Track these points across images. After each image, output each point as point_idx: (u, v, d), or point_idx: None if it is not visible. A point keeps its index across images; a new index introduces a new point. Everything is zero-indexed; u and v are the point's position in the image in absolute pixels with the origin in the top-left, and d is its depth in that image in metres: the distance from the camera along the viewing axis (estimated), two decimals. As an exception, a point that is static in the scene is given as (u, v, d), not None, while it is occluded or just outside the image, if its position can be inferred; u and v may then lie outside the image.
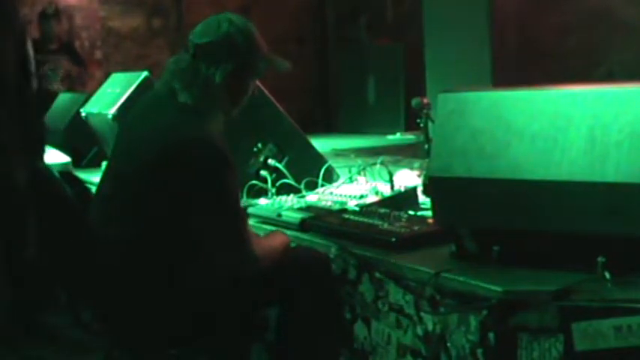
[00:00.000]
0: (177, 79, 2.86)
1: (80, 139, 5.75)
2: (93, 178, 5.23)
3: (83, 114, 5.53)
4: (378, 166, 3.99)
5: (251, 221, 3.25)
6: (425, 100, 3.92)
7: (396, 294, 2.85)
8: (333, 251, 3.10)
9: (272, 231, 3.23)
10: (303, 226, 3.33)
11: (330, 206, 3.53)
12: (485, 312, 2.47)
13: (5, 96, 3.89)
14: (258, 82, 3.29)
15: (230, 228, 2.78)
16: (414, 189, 3.69)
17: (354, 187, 3.96)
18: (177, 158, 2.72)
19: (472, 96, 2.70)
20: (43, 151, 4.31)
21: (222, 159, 2.75)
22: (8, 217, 3.84)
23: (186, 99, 2.83)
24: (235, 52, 2.88)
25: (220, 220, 2.77)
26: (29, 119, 4.09)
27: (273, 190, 3.86)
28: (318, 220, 3.30)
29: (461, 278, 2.54)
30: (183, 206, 2.73)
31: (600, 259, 2.39)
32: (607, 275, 2.37)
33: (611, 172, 2.33)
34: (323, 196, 3.74)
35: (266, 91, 3.90)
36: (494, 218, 2.57)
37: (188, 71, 2.85)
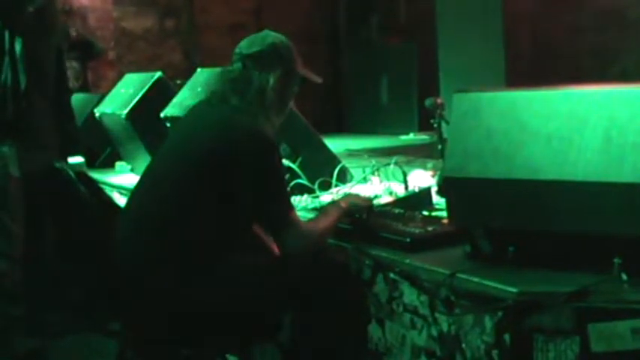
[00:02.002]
0: (229, 88, 3.04)
1: (94, 139, 5.76)
2: (106, 178, 5.26)
3: (97, 114, 5.53)
4: (391, 166, 3.99)
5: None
6: (439, 100, 3.91)
7: (410, 295, 2.84)
8: (347, 252, 3.09)
9: (325, 207, 3.26)
10: (317, 226, 3.31)
11: (344, 207, 3.52)
12: (500, 313, 2.46)
13: (47, 98, 3.92)
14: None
15: (280, 208, 2.92)
16: (428, 189, 3.68)
17: (368, 187, 3.96)
18: (231, 145, 2.88)
19: (487, 96, 2.70)
20: (76, 148, 4.35)
21: (273, 146, 2.93)
22: (32, 215, 3.88)
23: (239, 103, 3.00)
24: (282, 59, 3.10)
25: (269, 202, 2.92)
26: (64, 121, 4.13)
27: (289, 191, 3.85)
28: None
29: (476, 279, 2.53)
30: (237, 190, 2.86)
31: (617, 260, 2.38)
32: (623, 276, 2.36)
33: (628, 173, 2.31)
34: (337, 197, 3.73)
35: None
36: (509, 219, 2.56)
37: (240, 80, 3.04)
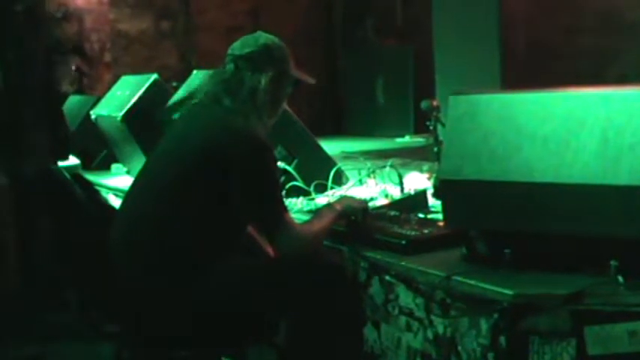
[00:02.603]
0: (222, 88, 3.04)
1: (90, 141, 5.76)
2: (102, 180, 5.25)
3: (93, 116, 5.52)
4: (387, 168, 3.98)
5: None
6: (434, 103, 3.90)
7: (406, 297, 2.83)
8: (343, 254, 3.09)
9: (319, 210, 3.25)
10: (312, 228, 3.30)
11: (340, 209, 3.51)
12: (496, 315, 2.46)
13: (33, 100, 3.91)
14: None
15: (274, 209, 2.89)
16: (424, 192, 3.67)
17: (364, 189, 3.96)
18: (224, 147, 2.87)
19: (483, 98, 2.69)
20: (66, 153, 4.34)
21: (266, 148, 2.92)
22: (25, 215, 3.86)
23: (232, 104, 3.00)
24: (275, 60, 3.11)
25: (263, 203, 2.90)
26: (54, 122, 4.11)
27: (283, 193, 3.84)
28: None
29: (472, 281, 2.52)
30: (230, 191, 2.84)
31: (613, 262, 2.37)
32: (620, 279, 2.36)
33: (625, 175, 2.31)
34: (332, 199, 3.72)
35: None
36: (505, 221, 2.56)
37: (232, 81, 3.05)
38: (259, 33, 3.18)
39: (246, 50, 3.08)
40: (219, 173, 2.85)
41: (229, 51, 3.13)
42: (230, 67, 3.08)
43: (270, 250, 3.05)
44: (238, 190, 2.85)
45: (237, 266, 2.89)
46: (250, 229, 3.16)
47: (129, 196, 3.12)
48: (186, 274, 2.79)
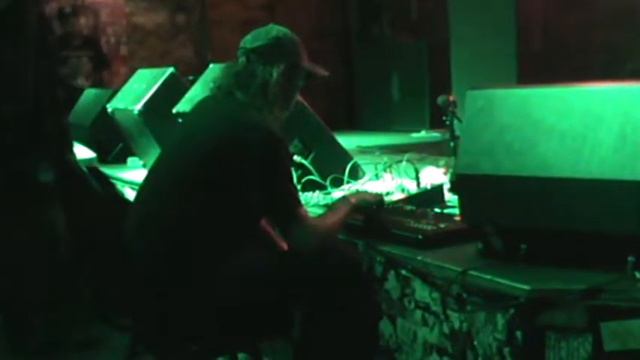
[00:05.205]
0: (234, 81, 3.05)
1: (106, 134, 5.79)
2: (118, 173, 5.27)
3: (109, 110, 5.55)
4: (403, 163, 3.99)
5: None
6: (451, 98, 3.90)
7: (422, 292, 2.84)
8: (359, 248, 3.09)
9: (334, 203, 3.25)
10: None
11: (356, 203, 3.52)
12: (512, 310, 2.45)
13: (17, 101, 3.86)
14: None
15: (288, 203, 2.90)
16: (440, 186, 3.67)
17: (380, 184, 3.96)
18: (237, 140, 2.88)
19: (501, 93, 2.69)
20: (71, 145, 4.31)
21: (279, 141, 2.91)
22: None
23: (243, 97, 3.01)
24: (286, 52, 3.10)
25: (276, 197, 2.90)
26: (60, 114, 4.09)
27: (299, 187, 3.85)
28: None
29: (488, 276, 2.52)
30: (243, 186, 2.85)
31: (630, 258, 2.37)
32: (637, 275, 2.35)
33: (643, 171, 2.30)
34: (348, 193, 3.72)
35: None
36: (522, 216, 2.56)
37: (244, 74, 3.04)
38: (271, 25, 3.18)
39: (258, 43, 3.08)
40: (231, 167, 2.86)
41: (241, 44, 3.13)
42: (242, 60, 3.09)
43: (283, 245, 3.05)
44: (251, 183, 2.85)
45: (250, 261, 2.89)
46: (264, 223, 3.17)
47: (142, 190, 3.13)
48: (199, 270, 2.80)
